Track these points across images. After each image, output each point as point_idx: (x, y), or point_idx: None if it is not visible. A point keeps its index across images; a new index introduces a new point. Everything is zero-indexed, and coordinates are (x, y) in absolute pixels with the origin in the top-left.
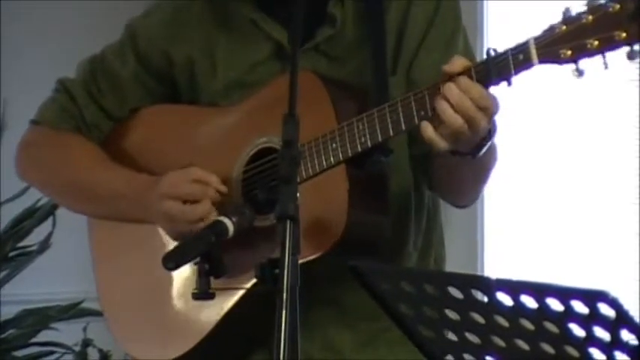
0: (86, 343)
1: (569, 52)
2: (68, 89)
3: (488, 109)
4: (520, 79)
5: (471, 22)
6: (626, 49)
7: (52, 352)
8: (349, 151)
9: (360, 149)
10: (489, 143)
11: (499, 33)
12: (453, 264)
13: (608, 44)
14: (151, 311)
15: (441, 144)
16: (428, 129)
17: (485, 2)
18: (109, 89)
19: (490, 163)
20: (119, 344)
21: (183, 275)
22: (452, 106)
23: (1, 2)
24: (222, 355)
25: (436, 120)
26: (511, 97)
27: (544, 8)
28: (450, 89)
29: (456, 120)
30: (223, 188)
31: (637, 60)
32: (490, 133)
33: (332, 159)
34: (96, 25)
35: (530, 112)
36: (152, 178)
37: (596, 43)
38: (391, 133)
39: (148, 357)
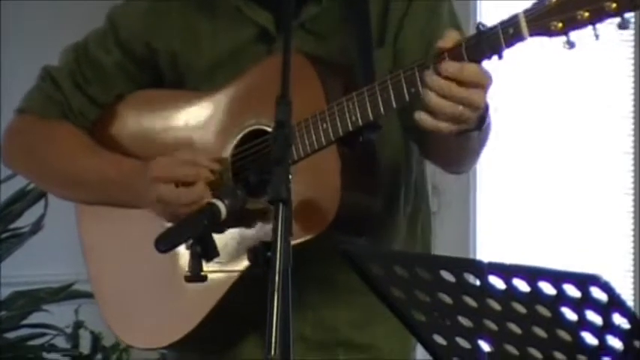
0: (78, 325)
1: (560, 25)
2: (54, 77)
3: (482, 84)
4: (516, 71)
5: (464, 22)
6: (616, 19)
7: (43, 334)
8: (340, 130)
9: (350, 128)
10: (489, 119)
11: None
12: (446, 249)
13: (599, 15)
14: (144, 297)
15: (446, 129)
16: (427, 120)
17: (478, 2)
18: (94, 78)
19: (488, 132)
20: (112, 330)
21: (176, 259)
22: (437, 94)
23: (1, 2)
24: (215, 337)
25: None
26: (505, 88)
27: None
28: (432, 79)
29: (445, 106)
30: (215, 165)
31: (630, 29)
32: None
33: (323, 139)
34: (96, 25)
35: (524, 101)
36: (140, 163)
37: (587, 14)
38: (382, 111)
39: (142, 343)
